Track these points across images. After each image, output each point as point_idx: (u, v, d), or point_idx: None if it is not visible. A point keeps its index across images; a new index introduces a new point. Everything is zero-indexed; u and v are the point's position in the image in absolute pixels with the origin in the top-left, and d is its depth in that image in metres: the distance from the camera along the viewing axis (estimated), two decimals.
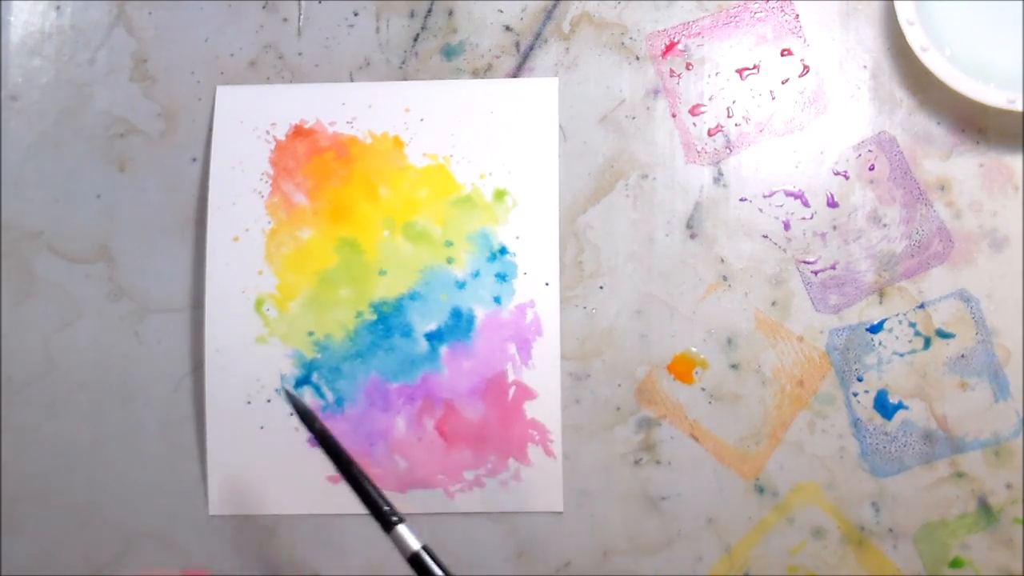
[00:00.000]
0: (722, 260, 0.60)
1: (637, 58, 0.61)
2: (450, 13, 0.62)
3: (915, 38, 0.57)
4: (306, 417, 0.52)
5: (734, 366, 0.59)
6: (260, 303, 0.61)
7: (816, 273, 0.59)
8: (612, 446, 0.59)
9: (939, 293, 0.58)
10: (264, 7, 0.63)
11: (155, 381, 0.61)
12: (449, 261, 0.60)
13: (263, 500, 0.60)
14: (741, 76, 0.60)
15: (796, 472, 0.58)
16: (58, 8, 0.64)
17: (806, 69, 0.60)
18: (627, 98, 0.61)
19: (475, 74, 0.62)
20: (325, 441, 0.51)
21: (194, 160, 0.63)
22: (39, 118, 0.64)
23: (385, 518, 0.49)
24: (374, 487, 0.50)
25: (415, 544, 0.48)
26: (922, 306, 0.58)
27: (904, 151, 0.59)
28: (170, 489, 0.61)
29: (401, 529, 0.48)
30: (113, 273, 0.62)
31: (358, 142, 0.61)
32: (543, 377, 0.59)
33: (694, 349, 0.59)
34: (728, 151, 0.60)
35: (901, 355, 0.58)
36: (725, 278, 0.60)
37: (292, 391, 0.55)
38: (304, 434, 0.60)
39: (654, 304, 0.60)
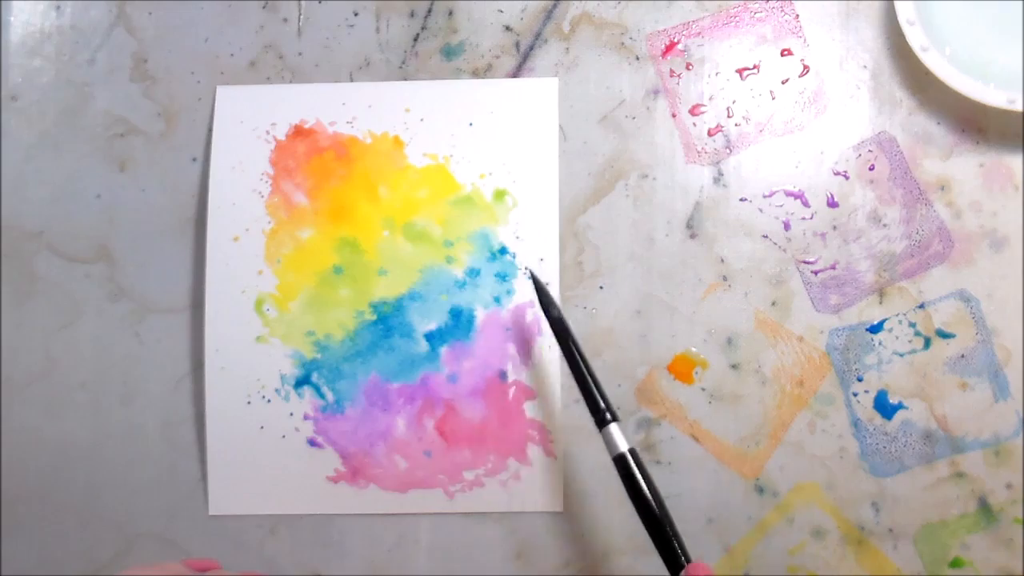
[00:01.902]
0: (722, 260, 0.60)
1: (637, 58, 0.61)
2: (450, 13, 0.62)
3: (915, 38, 0.57)
4: (545, 302, 0.55)
5: (734, 366, 0.59)
6: (260, 303, 0.61)
7: (816, 273, 0.59)
8: None
9: (939, 293, 0.58)
10: (264, 7, 0.63)
11: (155, 381, 0.61)
12: (449, 261, 0.60)
13: (263, 500, 0.60)
14: (741, 76, 0.60)
15: (796, 472, 0.58)
16: (58, 8, 0.64)
17: (806, 69, 0.60)
18: (627, 98, 0.61)
19: (475, 74, 0.62)
20: (559, 330, 0.54)
21: (194, 160, 0.63)
22: (39, 118, 0.64)
23: (600, 415, 0.51)
24: (597, 384, 0.52)
25: (623, 445, 0.49)
26: (922, 306, 0.58)
27: (904, 151, 0.59)
28: (170, 489, 0.61)
29: (612, 428, 0.50)
30: (113, 273, 0.62)
31: (358, 142, 0.61)
32: (543, 377, 0.59)
33: (694, 349, 0.59)
34: (728, 151, 0.60)
35: (901, 355, 0.58)
36: (725, 278, 0.60)
37: (535, 274, 0.57)
38: (304, 434, 0.60)
39: (654, 304, 0.60)
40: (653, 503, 0.48)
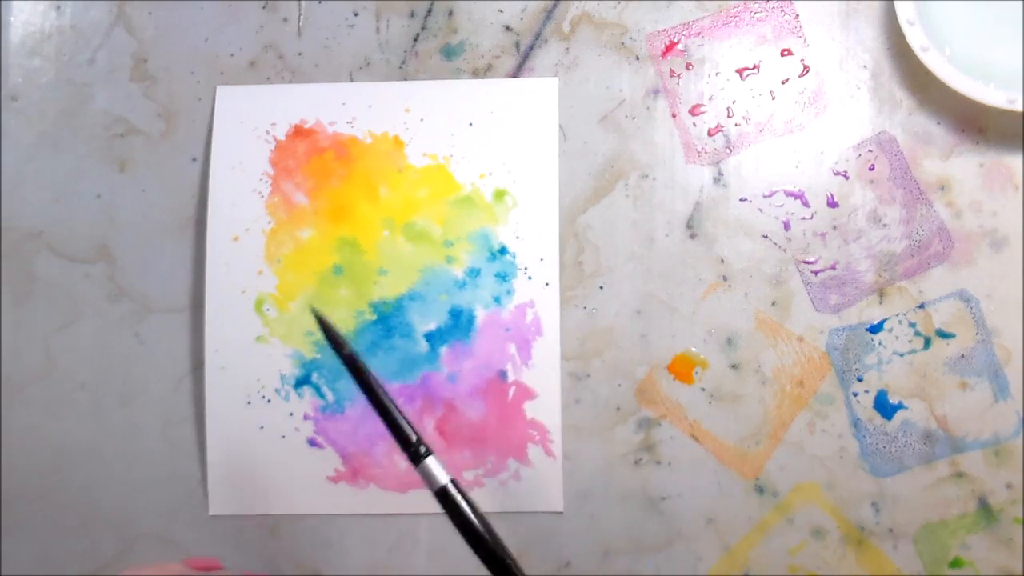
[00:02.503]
0: (722, 260, 0.60)
1: (637, 58, 0.61)
2: (450, 13, 0.62)
3: (915, 38, 0.57)
4: (334, 340, 0.50)
5: (734, 366, 0.59)
6: (260, 303, 0.61)
7: (816, 273, 0.59)
8: (612, 446, 0.59)
9: (939, 293, 0.58)
10: (264, 7, 0.63)
11: (155, 381, 0.61)
12: (449, 261, 0.60)
13: (263, 500, 0.60)
14: (741, 76, 0.60)
15: (796, 472, 0.58)
16: (58, 8, 0.64)
17: (806, 69, 0.60)
18: (627, 98, 0.61)
19: (475, 74, 0.62)
20: (354, 367, 0.49)
21: (194, 160, 0.63)
22: (39, 118, 0.64)
23: (414, 450, 0.47)
24: (404, 417, 0.48)
25: (443, 478, 0.47)
26: (922, 306, 0.58)
27: (904, 151, 0.59)
28: (170, 489, 0.61)
29: (430, 462, 0.47)
30: (113, 273, 0.62)
31: (358, 142, 0.61)
32: (543, 377, 0.59)
33: (694, 349, 0.59)
34: (728, 151, 0.60)
35: (901, 355, 0.58)
36: (725, 278, 0.60)
37: (321, 312, 0.51)
38: (304, 434, 0.60)
39: (654, 304, 0.60)
40: (483, 531, 0.46)
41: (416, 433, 0.48)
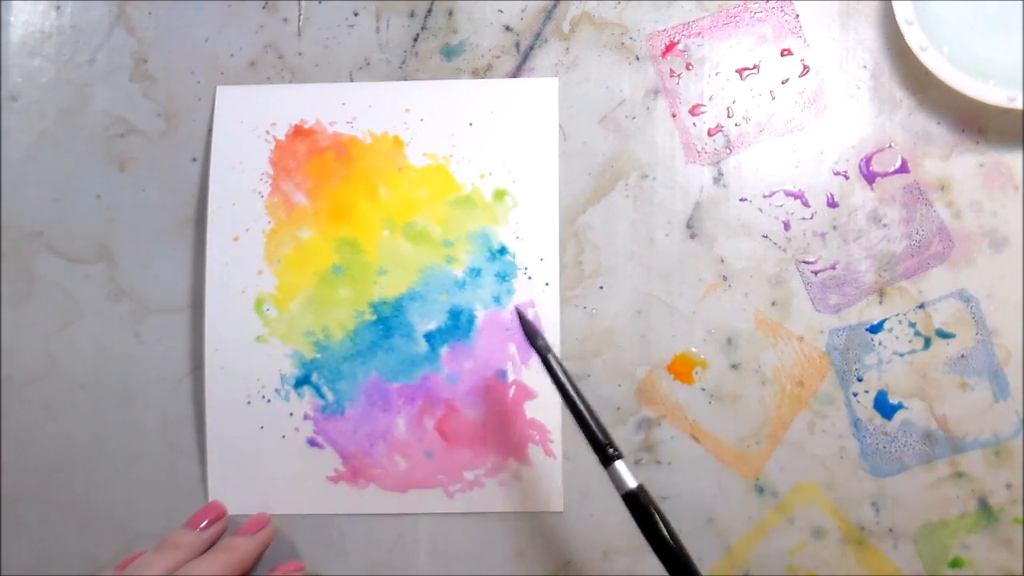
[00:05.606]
0: (722, 260, 0.60)
1: (637, 58, 0.61)
2: (450, 13, 0.62)
3: (913, 37, 0.57)
4: (534, 340, 0.54)
5: (734, 366, 0.59)
6: (260, 303, 0.61)
7: (816, 273, 0.59)
8: None
9: (939, 293, 0.58)
10: (264, 7, 0.63)
11: (155, 381, 0.61)
12: (449, 261, 0.60)
13: (263, 500, 0.60)
14: (741, 76, 0.60)
15: (796, 472, 0.58)
16: (58, 8, 0.64)
17: (806, 69, 0.60)
18: (627, 98, 0.61)
19: (475, 74, 0.62)
20: (549, 366, 0.53)
21: (194, 160, 0.63)
22: (39, 118, 0.64)
23: (604, 452, 0.50)
24: (596, 419, 0.51)
25: (632, 482, 0.49)
26: (922, 306, 0.58)
27: (904, 151, 0.59)
28: (170, 489, 0.61)
29: (619, 465, 0.49)
30: (113, 273, 0.62)
31: (358, 142, 0.61)
32: (543, 377, 0.59)
33: (694, 349, 0.59)
34: (728, 151, 0.60)
35: (901, 355, 0.58)
36: (725, 278, 0.60)
37: (523, 312, 0.57)
38: (304, 434, 0.60)
39: (654, 304, 0.60)
40: (667, 535, 0.48)
41: (608, 437, 0.50)
